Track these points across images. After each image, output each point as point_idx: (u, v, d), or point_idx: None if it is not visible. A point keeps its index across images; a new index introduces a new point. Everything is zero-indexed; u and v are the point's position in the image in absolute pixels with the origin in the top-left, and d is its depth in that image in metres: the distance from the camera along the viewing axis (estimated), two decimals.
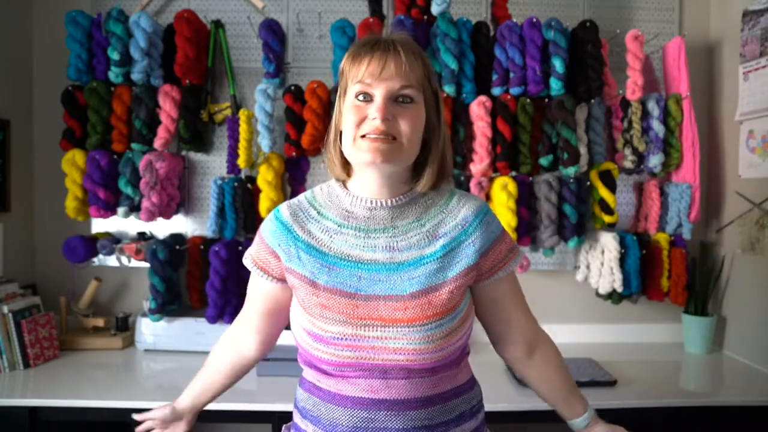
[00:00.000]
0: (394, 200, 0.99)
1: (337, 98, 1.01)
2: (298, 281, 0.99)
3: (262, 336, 1.13)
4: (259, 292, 1.09)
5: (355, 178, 1.01)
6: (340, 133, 0.99)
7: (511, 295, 1.07)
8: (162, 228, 2.27)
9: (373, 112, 0.92)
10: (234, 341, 1.16)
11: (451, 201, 1.02)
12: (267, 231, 1.03)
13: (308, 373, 1.06)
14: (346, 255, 0.98)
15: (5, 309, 1.86)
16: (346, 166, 1.01)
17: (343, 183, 1.04)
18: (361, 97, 0.94)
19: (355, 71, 0.94)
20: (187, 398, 1.19)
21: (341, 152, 1.00)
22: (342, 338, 0.94)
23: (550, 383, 1.12)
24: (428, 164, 0.99)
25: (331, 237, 0.99)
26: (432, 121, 0.99)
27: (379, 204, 0.99)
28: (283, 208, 1.04)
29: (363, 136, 0.92)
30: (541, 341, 1.13)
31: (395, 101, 0.94)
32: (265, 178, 2.07)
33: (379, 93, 0.93)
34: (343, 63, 0.98)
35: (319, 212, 1.02)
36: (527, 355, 1.11)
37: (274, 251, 1.02)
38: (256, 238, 1.06)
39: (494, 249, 1.01)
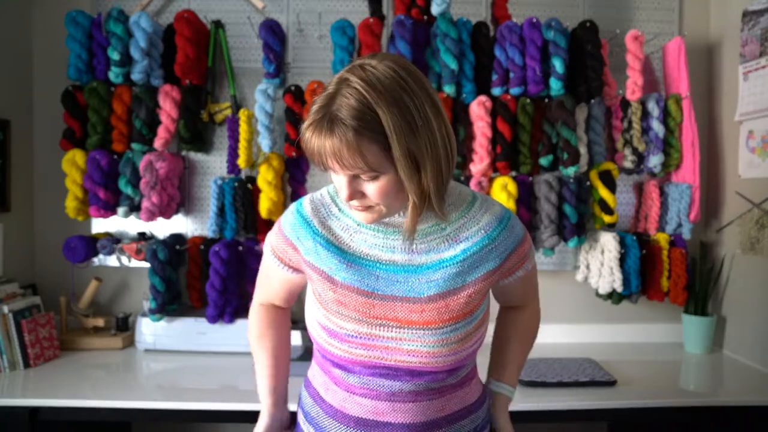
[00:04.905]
0: None
1: None
2: (316, 275, 0.99)
3: (284, 301, 1.15)
4: (274, 275, 1.10)
5: None
6: None
7: (523, 285, 1.08)
8: (162, 228, 2.27)
9: (341, 189, 0.89)
10: (262, 306, 1.16)
11: (473, 206, 0.99)
12: (287, 223, 1.03)
13: (317, 380, 1.06)
14: (365, 254, 0.97)
15: (5, 309, 1.86)
16: None
17: None
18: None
19: (311, 151, 0.87)
20: (272, 399, 1.12)
21: None
22: (357, 336, 0.94)
23: (501, 340, 1.16)
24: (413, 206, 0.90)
25: (350, 235, 0.99)
26: (410, 173, 0.86)
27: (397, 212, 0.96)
28: (306, 202, 1.03)
29: None
30: (524, 310, 1.16)
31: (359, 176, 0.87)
32: (265, 178, 2.07)
33: (339, 177, 0.88)
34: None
35: (340, 209, 1.01)
36: (505, 311, 1.18)
37: (293, 243, 1.01)
38: (276, 228, 1.06)
39: (518, 250, 1.00)
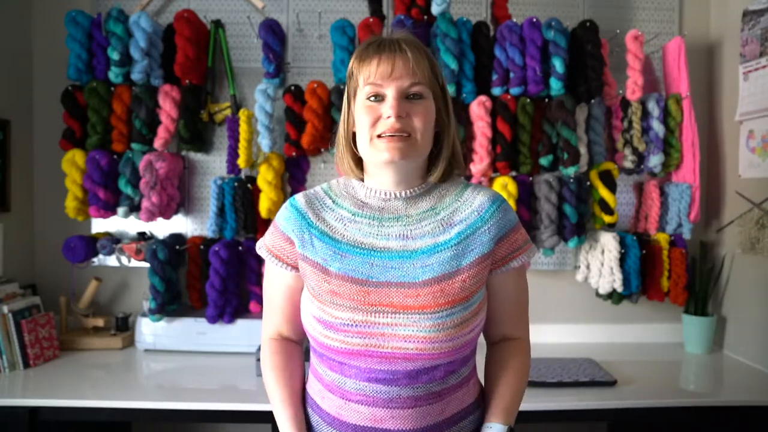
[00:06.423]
0: (408, 191, 1.01)
1: (345, 100, 1.02)
2: (310, 268, 0.99)
3: (293, 324, 1.08)
4: (276, 282, 1.06)
5: (370, 175, 1.02)
6: (353, 134, 1.01)
7: (514, 291, 1.06)
8: (162, 228, 2.27)
9: (387, 111, 0.94)
10: (273, 341, 1.09)
11: (465, 191, 1.03)
12: (282, 218, 1.04)
13: (313, 388, 1.05)
14: (359, 243, 0.98)
15: (5, 309, 1.86)
16: (359, 165, 1.03)
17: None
18: (372, 98, 0.96)
19: (365, 73, 0.96)
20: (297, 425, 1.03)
21: (352, 153, 1.02)
22: (352, 324, 0.93)
23: (488, 380, 1.08)
24: (440, 156, 1.01)
25: (344, 225, 1.00)
26: (441, 114, 1.00)
27: (393, 195, 1.00)
28: (299, 196, 1.05)
29: (379, 136, 0.94)
30: (513, 344, 1.09)
31: (406, 98, 0.95)
32: (265, 178, 2.07)
33: (390, 92, 0.94)
34: (351, 65, 1.00)
35: (334, 201, 1.03)
36: (492, 344, 1.11)
37: (289, 237, 1.02)
38: (270, 228, 1.07)
39: (510, 237, 1.01)
